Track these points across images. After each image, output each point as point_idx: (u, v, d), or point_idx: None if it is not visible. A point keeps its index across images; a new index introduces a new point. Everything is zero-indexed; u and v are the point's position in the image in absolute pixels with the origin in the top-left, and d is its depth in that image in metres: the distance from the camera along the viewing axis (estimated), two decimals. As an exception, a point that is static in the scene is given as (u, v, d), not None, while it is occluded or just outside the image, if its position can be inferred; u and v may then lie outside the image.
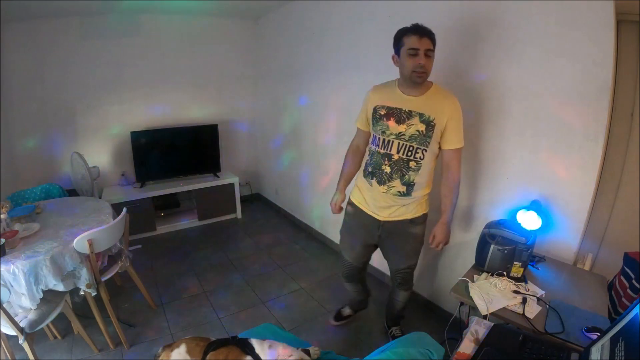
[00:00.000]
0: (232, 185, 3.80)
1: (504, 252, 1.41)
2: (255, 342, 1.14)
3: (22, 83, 3.00)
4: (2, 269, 1.52)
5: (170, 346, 1.15)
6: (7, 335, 1.60)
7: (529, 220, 1.49)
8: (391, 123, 1.53)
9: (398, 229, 1.66)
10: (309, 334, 2.10)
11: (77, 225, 1.93)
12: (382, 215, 1.65)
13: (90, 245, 1.72)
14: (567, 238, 1.58)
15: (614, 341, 0.83)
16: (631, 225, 1.52)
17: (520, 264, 1.40)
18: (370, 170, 1.64)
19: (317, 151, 3.19)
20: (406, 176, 1.56)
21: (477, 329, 1.10)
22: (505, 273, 1.41)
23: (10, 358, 1.63)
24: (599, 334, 0.95)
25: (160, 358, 1.13)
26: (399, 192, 1.58)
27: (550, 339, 1.08)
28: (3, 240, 1.61)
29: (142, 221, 3.35)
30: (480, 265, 1.48)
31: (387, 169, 1.57)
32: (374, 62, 2.37)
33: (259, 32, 3.91)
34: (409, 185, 1.57)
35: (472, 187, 1.91)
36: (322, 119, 3.06)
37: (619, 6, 1.28)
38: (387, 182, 1.58)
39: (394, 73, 1.58)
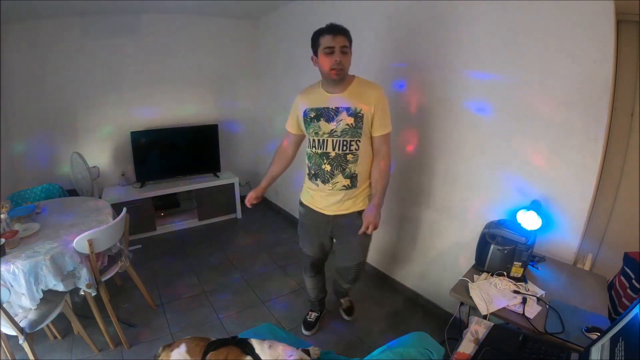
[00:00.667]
0: (232, 185, 3.80)
1: (504, 252, 1.41)
2: (255, 342, 1.14)
3: (22, 83, 3.00)
4: (2, 269, 1.52)
5: (170, 346, 1.15)
6: (7, 335, 1.60)
7: (529, 220, 1.48)
8: (322, 123, 1.60)
9: (347, 221, 1.71)
10: (308, 336, 2.10)
11: (77, 225, 1.93)
12: (331, 210, 1.71)
13: (90, 245, 1.72)
14: (567, 238, 1.58)
15: (614, 341, 0.83)
16: (631, 225, 1.52)
17: (520, 264, 1.40)
18: (313, 172, 1.70)
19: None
20: (347, 169, 1.62)
21: (477, 329, 1.10)
22: (505, 273, 1.41)
23: (10, 358, 1.63)
24: (599, 334, 0.95)
25: (160, 358, 1.13)
26: (344, 186, 1.64)
27: (550, 339, 1.08)
28: (3, 240, 1.61)
29: (142, 221, 3.35)
30: (480, 265, 1.48)
31: (328, 167, 1.63)
32: (374, 62, 2.37)
33: (259, 32, 3.91)
34: (352, 178, 1.63)
35: (472, 187, 1.91)
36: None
37: (619, 6, 1.28)
38: (330, 179, 1.64)
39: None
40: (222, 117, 3.97)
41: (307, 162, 1.75)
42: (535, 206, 1.53)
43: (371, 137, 1.63)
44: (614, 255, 1.51)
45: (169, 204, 3.76)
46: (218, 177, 3.80)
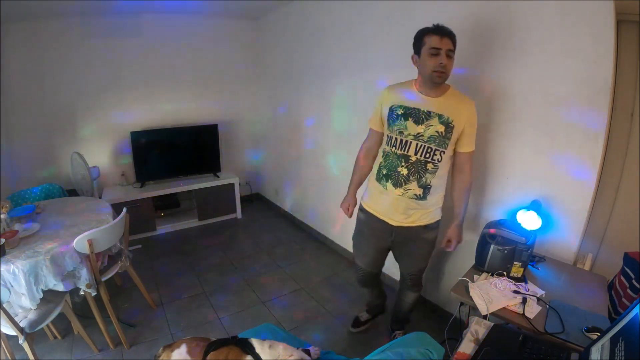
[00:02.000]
0: (232, 185, 3.80)
1: (504, 252, 1.41)
2: (255, 342, 1.14)
3: (22, 83, 3.00)
4: (2, 269, 1.52)
5: (170, 346, 1.15)
6: (7, 335, 1.60)
7: (529, 220, 1.49)
8: (409, 123, 1.49)
9: (412, 234, 1.64)
10: (309, 334, 2.10)
11: (77, 225, 1.93)
12: (396, 220, 1.61)
13: (90, 245, 1.72)
14: (567, 238, 1.58)
15: (614, 341, 0.83)
16: (631, 225, 1.53)
17: (520, 264, 1.40)
18: (384, 172, 1.59)
19: (317, 151, 3.19)
20: (423, 178, 1.53)
21: (477, 329, 1.10)
22: (505, 273, 1.42)
23: (10, 358, 1.63)
24: (599, 334, 0.95)
25: (161, 358, 1.13)
26: (416, 195, 1.54)
27: (550, 339, 1.08)
28: (3, 240, 1.61)
29: (142, 221, 3.35)
30: (480, 265, 1.48)
31: (404, 171, 1.53)
32: (373, 62, 2.37)
33: (259, 32, 3.91)
34: (426, 188, 1.54)
35: (472, 187, 1.91)
36: (322, 118, 3.06)
37: (619, 6, 1.28)
38: (403, 184, 1.54)
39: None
40: (222, 117, 3.96)
41: (380, 160, 1.63)
42: (535, 206, 1.53)
43: (454, 152, 1.56)
44: (614, 255, 1.51)
45: (169, 204, 3.76)
46: (218, 177, 3.80)
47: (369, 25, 2.38)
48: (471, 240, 1.63)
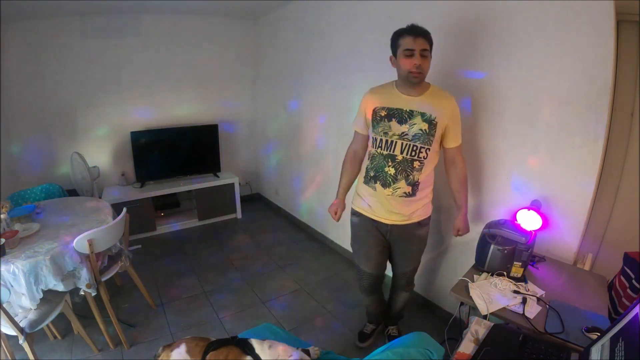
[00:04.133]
0: (232, 185, 3.80)
1: (504, 252, 1.41)
2: (255, 342, 1.14)
3: (22, 83, 3.00)
4: (2, 269, 1.52)
5: (170, 346, 1.15)
6: (7, 335, 1.60)
7: (529, 220, 1.49)
8: (393, 124, 1.52)
9: (406, 232, 1.66)
10: (309, 334, 2.10)
11: (77, 225, 1.93)
12: (391, 219, 1.63)
13: (90, 245, 1.72)
14: (567, 238, 1.58)
15: (614, 341, 0.83)
16: (631, 225, 1.53)
17: (520, 264, 1.40)
18: (372, 174, 1.61)
19: (317, 151, 3.19)
20: (411, 176, 1.55)
21: (477, 329, 1.10)
22: (505, 273, 1.41)
23: (10, 358, 1.63)
24: (599, 334, 0.95)
25: (160, 358, 1.13)
26: (405, 193, 1.57)
27: (550, 339, 1.08)
28: (3, 240, 1.61)
29: (142, 221, 3.35)
30: (480, 265, 1.48)
31: (391, 171, 1.55)
32: (374, 62, 2.36)
33: (259, 32, 3.91)
34: (414, 186, 1.57)
35: (472, 187, 1.91)
36: (322, 118, 3.06)
37: (619, 6, 1.28)
38: (392, 184, 1.56)
39: (394, 72, 1.58)
40: (222, 117, 3.97)
41: (367, 162, 1.66)
42: (535, 206, 1.53)
43: (443, 148, 1.61)
44: (614, 255, 1.51)
45: (169, 204, 3.76)
46: (218, 177, 3.80)
47: (368, 25, 2.38)
48: (471, 240, 1.63)
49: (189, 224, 3.73)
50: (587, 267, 1.56)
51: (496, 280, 1.39)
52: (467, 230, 1.71)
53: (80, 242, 1.71)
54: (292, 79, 3.40)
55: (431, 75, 1.52)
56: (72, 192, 3.01)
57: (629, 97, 1.46)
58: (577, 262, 1.58)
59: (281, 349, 1.12)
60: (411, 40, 1.41)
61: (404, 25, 1.48)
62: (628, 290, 1.35)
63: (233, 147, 4.18)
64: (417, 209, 1.62)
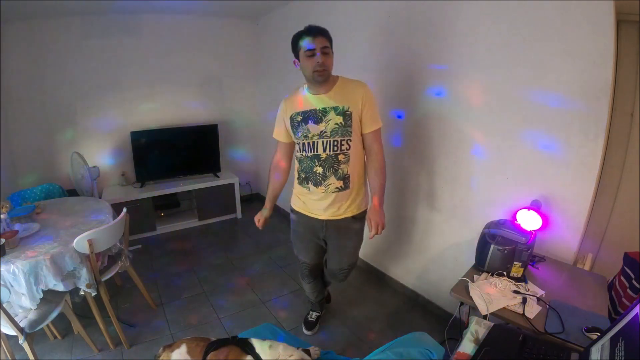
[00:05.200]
0: (232, 185, 3.80)
1: (504, 252, 1.41)
2: (255, 342, 1.14)
3: (22, 83, 3.00)
4: (2, 269, 1.52)
5: (170, 346, 1.15)
6: (7, 335, 1.60)
7: (529, 220, 1.49)
8: (310, 125, 1.58)
9: (341, 226, 1.72)
10: (309, 335, 2.10)
11: (77, 225, 1.93)
12: (326, 215, 1.69)
13: (90, 245, 1.72)
14: (567, 238, 1.57)
15: (614, 341, 0.83)
16: (631, 225, 1.53)
17: (520, 264, 1.40)
18: (303, 176, 1.68)
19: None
20: (339, 170, 1.60)
21: (477, 329, 1.10)
22: (505, 273, 1.41)
23: (10, 358, 1.63)
24: (599, 334, 0.95)
25: (161, 358, 1.13)
26: (337, 187, 1.62)
27: (550, 339, 1.08)
28: (3, 240, 1.61)
29: (142, 221, 3.35)
30: (480, 265, 1.48)
31: (320, 169, 1.61)
32: (374, 62, 2.37)
33: (259, 32, 3.91)
34: (345, 179, 1.62)
35: (472, 187, 1.91)
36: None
37: (619, 6, 1.28)
38: (322, 182, 1.62)
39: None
40: (222, 117, 3.96)
41: (297, 166, 1.73)
42: (535, 206, 1.53)
43: (362, 136, 1.62)
44: (614, 255, 1.51)
45: (169, 204, 3.75)
46: (218, 177, 3.80)
47: (368, 25, 2.38)
48: (471, 240, 1.63)
49: (189, 224, 3.72)
50: (587, 267, 1.56)
51: (496, 280, 1.39)
52: (380, 221, 1.61)
53: (80, 242, 1.71)
54: (292, 78, 3.39)
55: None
56: (72, 192, 3.01)
57: (629, 97, 1.46)
58: (577, 262, 1.58)
59: (281, 349, 1.12)
60: (310, 40, 1.47)
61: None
62: (628, 290, 1.35)
63: (233, 147, 4.18)
64: (350, 204, 1.68)
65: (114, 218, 2.02)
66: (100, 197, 3.12)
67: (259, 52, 3.97)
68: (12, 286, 1.55)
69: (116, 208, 2.26)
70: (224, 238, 3.46)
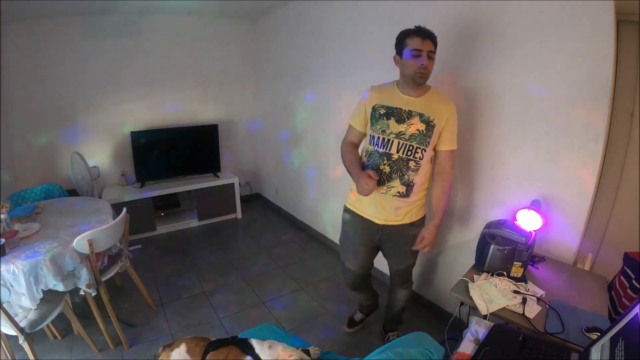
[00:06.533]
0: (232, 185, 3.80)
1: (504, 252, 1.41)
2: (255, 342, 1.14)
3: (22, 83, 2.99)
4: (2, 269, 1.52)
5: (170, 346, 1.15)
6: (7, 335, 1.60)
7: (529, 220, 1.49)
8: (391, 122, 1.53)
9: (397, 232, 1.66)
10: (309, 334, 2.10)
11: (77, 225, 1.93)
12: (382, 219, 1.63)
13: (90, 245, 1.72)
14: (567, 238, 1.58)
15: (614, 341, 0.83)
16: (631, 225, 1.53)
17: (520, 264, 1.40)
18: None
19: (318, 151, 3.19)
20: (405, 176, 1.55)
21: (477, 329, 1.10)
22: (505, 273, 1.41)
23: (10, 358, 1.63)
24: (599, 334, 0.95)
25: (160, 358, 1.13)
26: (399, 192, 1.57)
27: (550, 339, 1.08)
28: (3, 240, 1.61)
29: (142, 221, 3.35)
30: (480, 265, 1.48)
31: (387, 169, 1.56)
32: (374, 62, 2.37)
33: (259, 32, 3.91)
34: (408, 186, 1.57)
35: (472, 187, 1.91)
36: (322, 118, 3.06)
37: (619, 6, 1.28)
38: (386, 182, 1.57)
39: (395, 72, 1.58)
40: (222, 117, 3.97)
41: (364, 159, 1.65)
42: (535, 206, 1.53)
43: (435, 152, 1.59)
44: (614, 255, 1.51)
45: (169, 204, 3.75)
46: (218, 177, 3.80)
47: (368, 25, 2.38)
48: (471, 240, 1.63)
49: (189, 224, 3.72)
50: (587, 267, 1.56)
51: (496, 280, 1.39)
52: (432, 242, 1.61)
53: (80, 242, 1.71)
54: (292, 78, 3.40)
55: (433, 75, 1.52)
56: (72, 192, 3.01)
57: (629, 97, 1.46)
58: (577, 262, 1.58)
59: (281, 349, 1.12)
60: (419, 41, 1.42)
61: (403, 25, 1.48)
62: (628, 290, 1.35)
63: (233, 147, 4.18)
64: (409, 210, 1.62)
65: (114, 218, 2.02)
66: (100, 197, 3.13)
67: (259, 52, 3.97)
68: (12, 286, 1.55)
69: (116, 208, 2.26)
70: (224, 238, 3.46)
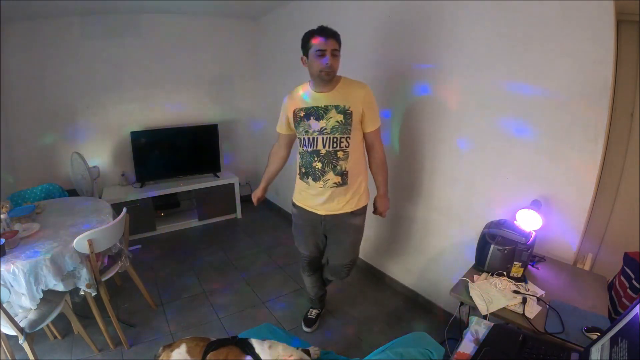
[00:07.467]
0: (232, 185, 3.80)
1: (504, 252, 1.41)
2: (255, 342, 1.14)
3: (22, 83, 3.00)
4: (2, 269, 1.52)
5: (170, 346, 1.15)
6: (7, 335, 1.60)
7: (529, 220, 1.49)
8: (312, 121, 1.64)
9: (339, 221, 1.76)
10: (309, 334, 2.10)
11: (77, 225, 1.93)
12: (323, 210, 1.75)
13: (90, 245, 1.72)
14: (567, 238, 1.57)
15: (614, 341, 0.83)
16: (631, 225, 1.53)
17: (520, 264, 1.40)
18: (304, 171, 1.74)
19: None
20: (337, 166, 1.65)
21: (477, 329, 1.10)
22: (505, 273, 1.42)
23: (10, 358, 1.63)
24: (599, 334, 0.95)
25: (161, 358, 1.13)
26: (335, 183, 1.67)
27: (550, 339, 1.08)
28: (3, 240, 1.61)
29: (142, 221, 3.35)
30: (480, 265, 1.48)
31: (319, 165, 1.66)
32: (373, 61, 2.36)
33: (259, 32, 3.91)
34: (343, 175, 1.67)
35: (472, 187, 1.91)
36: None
37: (619, 6, 1.28)
38: (321, 177, 1.67)
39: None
40: (222, 117, 3.96)
41: (298, 161, 1.78)
42: (535, 206, 1.53)
43: (363, 134, 1.70)
44: (614, 255, 1.51)
45: (169, 204, 3.75)
46: (218, 177, 3.80)
47: (368, 25, 2.38)
48: (471, 240, 1.63)
49: (189, 224, 3.72)
50: (587, 267, 1.56)
51: (496, 280, 1.39)
52: (384, 209, 1.86)
53: (80, 242, 1.71)
54: (292, 78, 3.39)
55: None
56: (72, 192, 3.00)
57: (629, 97, 1.46)
58: (577, 262, 1.58)
59: (281, 349, 1.12)
60: (322, 41, 1.52)
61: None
62: (628, 290, 1.35)
63: (233, 147, 4.18)
64: (349, 200, 1.72)
65: (114, 218, 2.02)
66: (100, 197, 3.12)
67: (259, 52, 3.97)
68: (12, 286, 1.55)
69: (116, 208, 2.26)
70: (224, 238, 3.46)
